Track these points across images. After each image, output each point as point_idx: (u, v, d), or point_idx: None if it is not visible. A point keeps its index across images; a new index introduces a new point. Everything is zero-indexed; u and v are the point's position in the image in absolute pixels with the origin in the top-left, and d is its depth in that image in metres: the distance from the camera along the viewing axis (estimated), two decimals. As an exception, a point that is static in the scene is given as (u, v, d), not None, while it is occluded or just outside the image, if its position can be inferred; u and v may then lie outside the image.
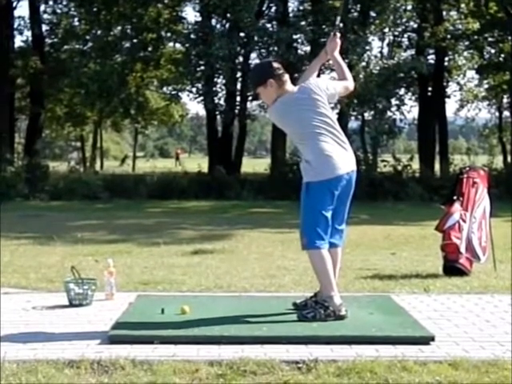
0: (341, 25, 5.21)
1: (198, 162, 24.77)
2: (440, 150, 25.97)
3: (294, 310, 5.27)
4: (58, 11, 26.69)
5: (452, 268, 7.38)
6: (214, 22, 23.45)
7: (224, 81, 23.64)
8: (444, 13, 25.26)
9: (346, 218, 5.39)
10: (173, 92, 26.37)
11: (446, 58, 25.85)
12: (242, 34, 22.53)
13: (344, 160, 5.19)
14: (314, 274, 5.25)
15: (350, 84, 5.51)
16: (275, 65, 5.29)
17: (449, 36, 24.08)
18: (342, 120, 19.59)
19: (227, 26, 23.08)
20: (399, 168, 22.13)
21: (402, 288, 6.62)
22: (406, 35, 26.14)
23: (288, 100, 5.21)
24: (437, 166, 24.36)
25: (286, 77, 5.28)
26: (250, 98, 23.64)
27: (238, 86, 24.18)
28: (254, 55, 23.89)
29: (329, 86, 5.32)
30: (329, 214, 5.15)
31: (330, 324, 4.90)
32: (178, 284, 6.85)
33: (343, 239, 5.42)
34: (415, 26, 25.47)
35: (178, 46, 26.40)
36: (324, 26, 22.17)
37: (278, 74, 5.23)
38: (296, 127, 5.24)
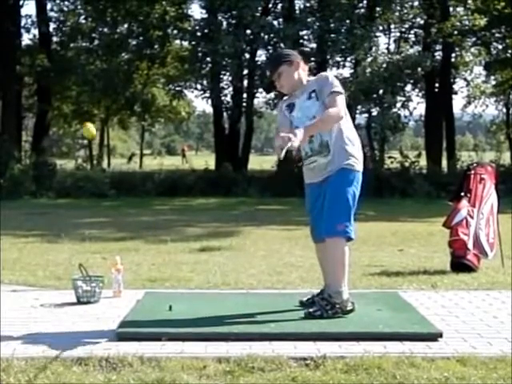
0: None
1: (205, 159, 24.78)
2: (447, 147, 25.93)
3: (300, 307, 5.27)
4: (65, 9, 26.74)
5: (459, 264, 7.37)
6: (220, 19, 23.44)
7: (230, 78, 23.67)
8: (451, 9, 25.21)
9: None
10: (177, 88, 26.41)
11: (453, 54, 25.82)
12: (248, 31, 22.53)
13: None
14: (330, 264, 5.12)
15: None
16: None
17: (456, 32, 24.02)
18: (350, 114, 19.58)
19: (233, 23, 23.07)
20: (406, 164, 22.09)
21: (410, 284, 6.62)
22: (412, 31, 26.12)
23: (323, 76, 5.23)
24: (444, 163, 24.32)
25: (307, 68, 5.29)
26: (257, 92, 23.67)
27: (245, 82, 24.19)
28: (260, 52, 23.94)
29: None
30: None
31: (338, 320, 4.90)
32: (185, 281, 6.86)
33: None
34: (422, 22, 25.44)
35: (184, 43, 26.40)
36: (331, 21, 22.13)
37: (304, 60, 5.23)
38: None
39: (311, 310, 5.03)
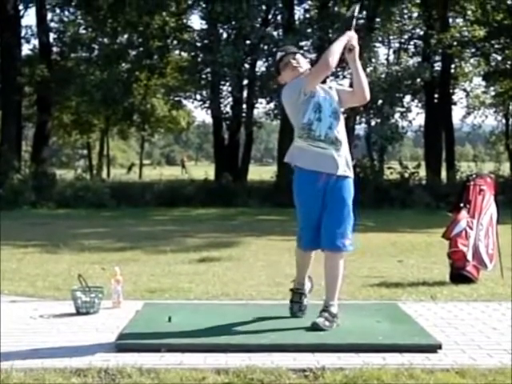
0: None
1: (204, 170, 24.78)
2: (447, 157, 25.91)
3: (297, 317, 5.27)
4: (65, 19, 26.79)
5: (459, 275, 7.37)
6: (220, 29, 23.48)
7: (230, 88, 23.70)
8: (450, 20, 25.27)
9: None
10: (176, 98, 26.44)
11: (453, 65, 25.85)
12: (247, 42, 22.57)
13: None
14: (329, 277, 5.10)
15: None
16: None
17: (455, 43, 24.07)
18: (348, 125, 19.63)
19: (233, 33, 23.11)
20: (406, 175, 22.10)
21: (409, 296, 6.62)
22: (412, 42, 26.18)
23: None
24: (443, 173, 24.32)
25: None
26: (257, 102, 23.71)
27: (245, 93, 24.21)
28: (260, 63, 23.97)
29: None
30: None
31: (337, 332, 4.89)
32: (184, 292, 6.86)
33: None
34: (421, 33, 25.49)
35: (183, 54, 26.44)
36: (330, 31, 22.16)
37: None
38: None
39: (326, 323, 4.93)
